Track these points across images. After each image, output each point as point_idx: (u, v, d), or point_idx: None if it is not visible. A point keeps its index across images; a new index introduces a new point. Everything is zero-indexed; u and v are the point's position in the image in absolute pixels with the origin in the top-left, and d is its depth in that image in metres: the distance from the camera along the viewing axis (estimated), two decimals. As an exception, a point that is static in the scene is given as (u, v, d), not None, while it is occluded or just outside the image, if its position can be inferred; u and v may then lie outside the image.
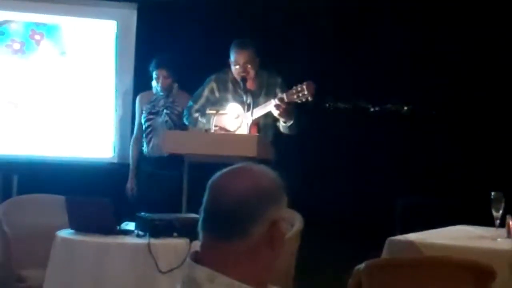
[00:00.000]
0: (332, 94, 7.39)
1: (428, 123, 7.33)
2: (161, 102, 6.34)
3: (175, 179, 6.19)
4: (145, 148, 6.40)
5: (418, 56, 7.12)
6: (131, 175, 6.51)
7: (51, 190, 5.30)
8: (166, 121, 6.30)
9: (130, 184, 6.49)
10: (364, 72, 7.17)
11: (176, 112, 6.30)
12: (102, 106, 7.00)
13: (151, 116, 6.36)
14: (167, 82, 6.27)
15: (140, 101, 6.48)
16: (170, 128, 6.23)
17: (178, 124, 6.27)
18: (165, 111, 6.31)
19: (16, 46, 6.80)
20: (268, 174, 1.89)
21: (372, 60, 7.11)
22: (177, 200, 6.02)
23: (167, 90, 6.30)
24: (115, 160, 6.94)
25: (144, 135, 6.40)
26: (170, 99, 6.32)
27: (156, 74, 6.28)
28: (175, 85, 6.33)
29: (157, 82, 6.28)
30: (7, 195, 6.41)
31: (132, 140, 6.54)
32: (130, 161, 6.53)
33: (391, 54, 7.13)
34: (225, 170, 1.88)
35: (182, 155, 5.46)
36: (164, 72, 6.25)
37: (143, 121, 6.40)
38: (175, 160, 5.90)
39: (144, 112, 6.39)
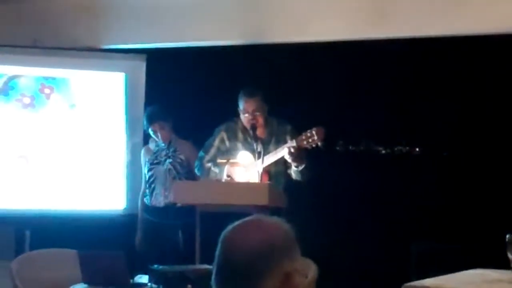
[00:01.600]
0: (343, 137, 7.37)
1: (440, 165, 7.28)
2: (163, 152, 6.35)
3: (178, 229, 6.21)
4: (148, 199, 6.40)
5: (427, 96, 7.10)
6: (138, 227, 6.51)
7: (64, 244, 5.28)
8: (169, 170, 6.31)
9: (138, 236, 6.49)
10: (374, 114, 7.15)
11: (178, 160, 6.33)
12: (113, 157, 7.00)
13: (153, 166, 6.38)
14: (165, 133, 6.29)
15: (144, 154, 6.51)
16: (174, 177, 6.24)
17: (181, 172, 6.30)
18: (167, 160, 6.33)
19: (26, 100, 6.82)
20: (280, 226, 1.87)
21: (381, 102, 7.10)
22: (184, 250, 6.02)
23: (168, 140, 6.32)
24: (128, 212, 6.91)
25: (147, 186, 6.41)
26: (172, 149, 6.34)
27: (152, 130, 6.30)
28: (173, 135, 6.35)
29: (157, 137, 6.30)
30: (19, 250, 6.40)
31: (140, 193, 6.54)
32: (139, 213, 6.53)
33: (400, 95, 7.12)
34: (236, 223, 1.87)
35: (193, 205, 5.44)
36: (158, 126, 6.27)
37: (146, 171, 6.42)
38: (179, 209, 5.92)
39: (147, 163, 6.41)
